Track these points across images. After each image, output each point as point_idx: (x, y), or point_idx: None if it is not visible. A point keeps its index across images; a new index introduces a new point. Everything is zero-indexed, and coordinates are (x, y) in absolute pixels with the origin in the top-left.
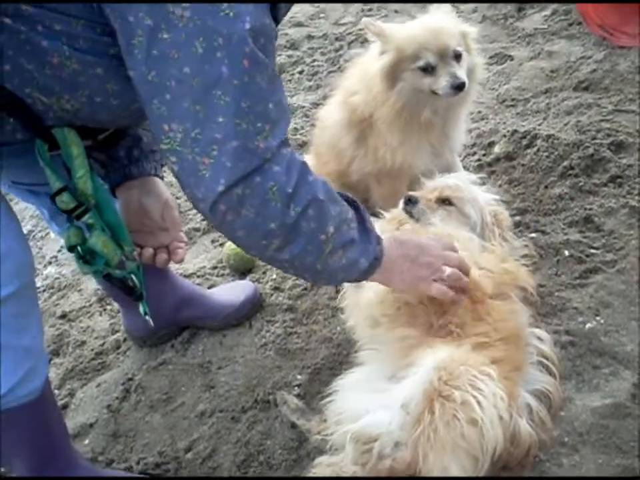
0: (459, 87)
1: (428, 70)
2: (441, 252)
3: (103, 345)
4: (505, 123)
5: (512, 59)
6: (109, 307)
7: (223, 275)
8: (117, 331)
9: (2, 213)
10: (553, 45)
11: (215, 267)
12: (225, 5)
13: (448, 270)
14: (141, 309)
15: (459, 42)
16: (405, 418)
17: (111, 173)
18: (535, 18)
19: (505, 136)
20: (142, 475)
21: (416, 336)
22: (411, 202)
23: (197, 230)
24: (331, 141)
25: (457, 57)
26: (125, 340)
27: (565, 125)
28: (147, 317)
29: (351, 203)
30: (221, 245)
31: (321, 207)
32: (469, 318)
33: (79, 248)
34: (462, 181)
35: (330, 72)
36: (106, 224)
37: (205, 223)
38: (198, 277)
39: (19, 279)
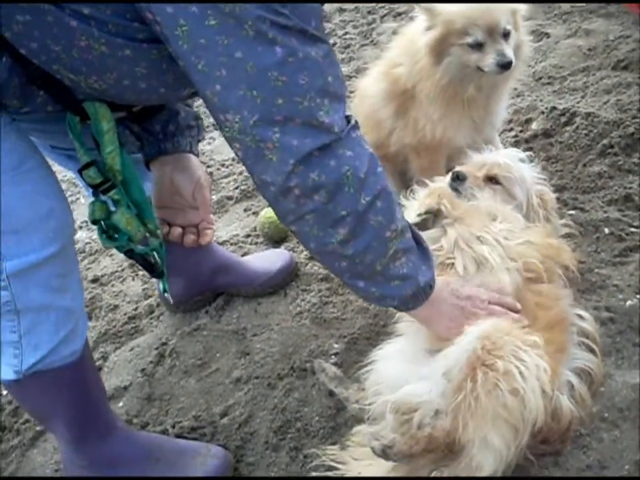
0: (505, 66)
1: (475, 46)
2: (486, 305)
3: (135, 309)
4: (541, 100)
5: (548, 37)
6: (140, 272)
7: (256, 243)
8: (149, 296)
9: (44, 174)
10: (590, 24)
11: (248, 235)
12: None
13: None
14: (161, 287)
15: (508, 20)
16: (446, 386)
17: (145, 147)
18: None
19: (543, 113)
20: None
21: None
22: (459, 178)
23: (230, 198)
24: (370, 111)
25: (506, 35)
26: (158, 305)
27: (605, 103)
28: (166, 295)
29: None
30: (254, 213)
31: (389, 200)
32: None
33: (102, 222)
34: (510, 159)
35: (362, 45)
36: (132, 201)
37: (237, 191)
38: (231, 244)
39: (61, 238)
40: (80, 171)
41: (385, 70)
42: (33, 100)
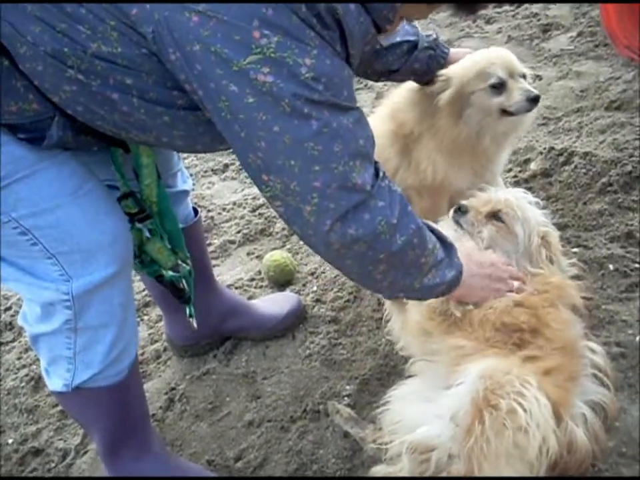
0: (534, 99)
1: (498, 87)
2: (506, 267)
3: (142, 354)
4: (537, 140)
5: (540, 79)
6: (146, 317)
7: (261, 286)
8: (156, 341)
9: (103, 195)
10: (580, 66)
11: (252, 279)
12: (304, 68)
13: (516, 283)
14: (187, 311)
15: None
16: (455, 430)
17: None
18: (561, 39)
19: (541, 153)
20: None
21: (471, 346)
22: (460, 210)
23: (232, 242)
24: (376, 150)
25: (524, 77)
26: (165, 349)
27: (601, 142)
28: (192, 320)
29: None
30: (257, 257)
31: (423, 235)
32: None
33: (135, 249)
34: (516, 199)
35: (357, 89)
36: (165, 231)
37: (239, 235)
38: (236, 288)
39: (123, 256)
40: (119, 200)
41: (389, 112)
42: (84, 145)
